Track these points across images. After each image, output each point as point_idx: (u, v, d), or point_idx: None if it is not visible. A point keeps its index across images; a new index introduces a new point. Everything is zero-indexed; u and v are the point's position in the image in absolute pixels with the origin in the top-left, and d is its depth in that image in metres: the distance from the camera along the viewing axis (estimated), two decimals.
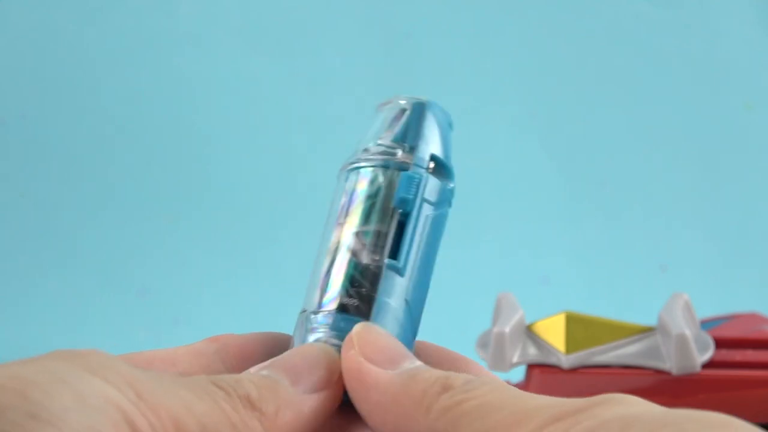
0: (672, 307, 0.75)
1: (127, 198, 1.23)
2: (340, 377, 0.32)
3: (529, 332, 0.76)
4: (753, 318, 0.82)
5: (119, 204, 1.23)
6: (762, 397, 0.73)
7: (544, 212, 1.25)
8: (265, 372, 0.31)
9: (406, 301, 0.34)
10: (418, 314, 0.35)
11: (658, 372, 0.74)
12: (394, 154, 0.36)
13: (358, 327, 0.32)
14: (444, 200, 0.36)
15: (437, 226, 0.36)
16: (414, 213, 0.35)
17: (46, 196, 1.23)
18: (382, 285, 0.34)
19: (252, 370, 0.31)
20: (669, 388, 0.73)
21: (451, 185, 0.36)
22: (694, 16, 1.29)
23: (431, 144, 0.36)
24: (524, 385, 0.75)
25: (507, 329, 0.73)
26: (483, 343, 0.75)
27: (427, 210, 0.35)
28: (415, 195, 0.35)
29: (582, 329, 0.75)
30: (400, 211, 0.35)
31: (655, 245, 1.24)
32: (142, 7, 1.27)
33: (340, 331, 0.33)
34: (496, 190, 1.25)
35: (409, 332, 0.34)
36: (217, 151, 1.25)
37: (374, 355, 0.31)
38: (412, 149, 0.36)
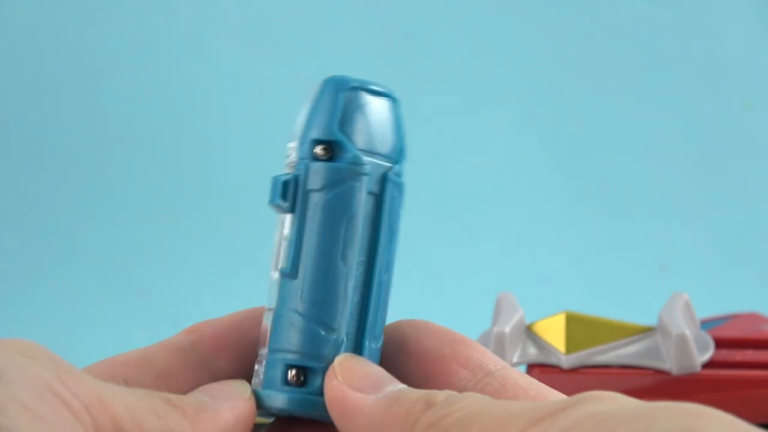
0: (672, 307, 0.75)
1: (127, 198, 1.23)
2: (251, 396, 0.33)
3: (529, 332, 0.76)
4: (753, 318, 0.82)
5: (119, 204, 1.23)
6: (762, 397, 0.73)
7: (544, 212, 1.25)
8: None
9: (302, 301, 0.33)
10: (326, 307, 0.33)
11: (658, 372, 0.74)
12: (289, 157, 0.35)
13: (339, 358, 0.33)
14: (339, 179, 0.34)
15: (331, 209, 0.34)
16: (296, 210, 0.34)
17: (46, 196, 1.23)
18: (279, 297, 0.34)
19: None
20: (669, 388, 0.73)
21: (350, 157, 0.34)
22: (694, 16, 1.29)
23: (313, 128, 0.35)
24: None
25: (507, 329, 0.73)
26: (483, 343, 0.75)
27: (315, 199, 0.34)
28: (287, 195, 0.34)
29: (582, 329, 0.75)
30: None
31: (655, 245, 1.24)
32: (142, 7, 1.27)
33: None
34: (496, 190, 1.25)
35: (314, 330, 0.33)
36: (217, 151, 1.25)
37: (357, 382, 0.32)
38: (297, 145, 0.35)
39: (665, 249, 1.24)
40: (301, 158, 0.34)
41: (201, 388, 0.33)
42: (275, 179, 0.34)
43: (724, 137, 1.27)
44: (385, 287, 0.34)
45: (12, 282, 1.20)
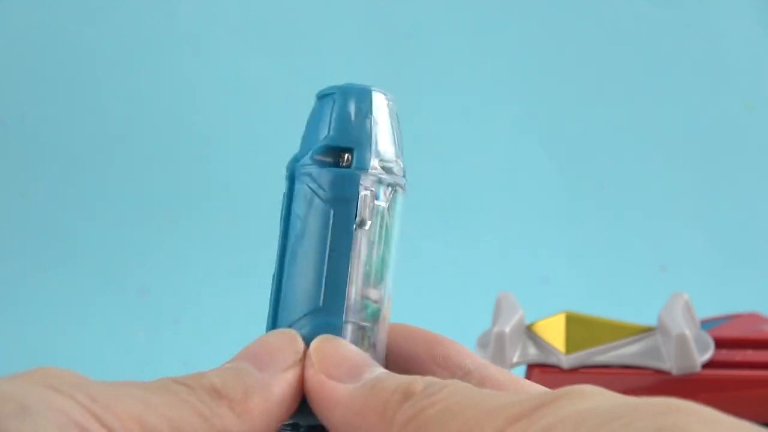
0: (672, 307, 0.75)
1: (127, 198, 1.23)
2: (303, 355, 0.32)
3: (529, 332, 0.76)
4: (753, 318, 0.82)
5: (119, 204, 1.23)
6: (762, 397, 0.73)
7: (544, 212, 1.24)
8: (228, 365, 0.31)
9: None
10: (279, 315, 0.35)
11: (658, 372, 0.74)
12: None
13: (315, 342, 0.32)
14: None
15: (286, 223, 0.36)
16: None
17: (46, 196, 1.23)
18: None
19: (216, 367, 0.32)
20: (669, 388, 0.73)
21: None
22: (694, 16, 1.29)
23: None
24: None
25: (507, 329, 0.73)
26: (483, 343, 0.75)
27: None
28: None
29: (582, 329, 0.75)
30: None
31: (655, 245, 1.24)
32: (142, 7, 1.27)
33: None
34: (496, 190, 1.25)
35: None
36: (217, 151, 1.25)
37: (333, 369, 0.31)
38: None
39: (665, 249, 1.24)
40: None
41: (244, 351, 0.32)
42: None
43: (724, 137, 1.27)
44: (288, 273, 0.35)
45: (12, 282, 1.20)
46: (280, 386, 0.31)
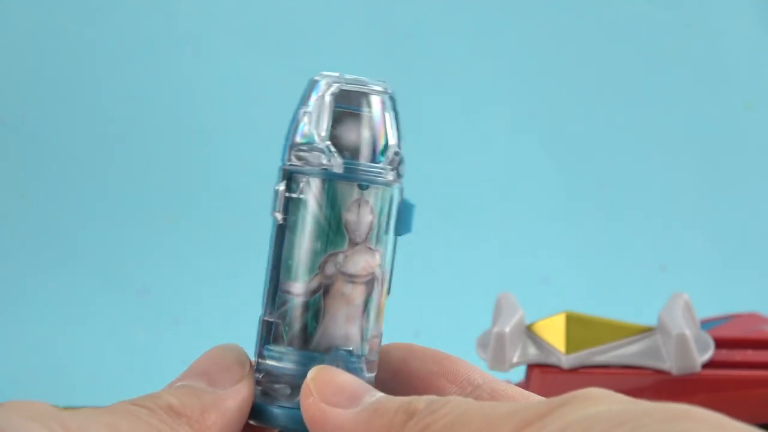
0: (672, 307, 0.75)
1: (127, 198, 1.23)
2: (251, 368, 0.33)
3: (529, 332, 0.76)
4: (753, 318, 0.82)
5: (119, 204, 1.23)
6: (762, 397, 0.73)
7: (544, 212, 1.25)
8: (180, 383, 0.32)
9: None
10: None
11: (658, 372, 0.74)
12: None
13: (312, 372, 0.32)
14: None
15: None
16: None
17: (46, 196, 1.23)
18: None
19: (168, 385, 0.32)
20: (669, 388, 0.73)
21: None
22: (694, 16, 1.29)
23: None
24: (524, 385, 0.75)
25: (507, 329, 0.73)
26: (483, 343, 0.75)
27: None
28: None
29: (582, 329, 0.75)
30: None
31: (655, 245, 1.24)
32: (142, 7, 1.27)
33: None
34: (496, 190, 1.25)
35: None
36: (217, 151, 1.25)
37: (333, 397, 0.31)
38: None
39: (665, 249, 1.24)
40: None
41: (193, 367, 0.33)
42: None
43: (724, 137, 1.27)
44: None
45: (12, 282, 1.20)
46: (233, 400, 0.32)
